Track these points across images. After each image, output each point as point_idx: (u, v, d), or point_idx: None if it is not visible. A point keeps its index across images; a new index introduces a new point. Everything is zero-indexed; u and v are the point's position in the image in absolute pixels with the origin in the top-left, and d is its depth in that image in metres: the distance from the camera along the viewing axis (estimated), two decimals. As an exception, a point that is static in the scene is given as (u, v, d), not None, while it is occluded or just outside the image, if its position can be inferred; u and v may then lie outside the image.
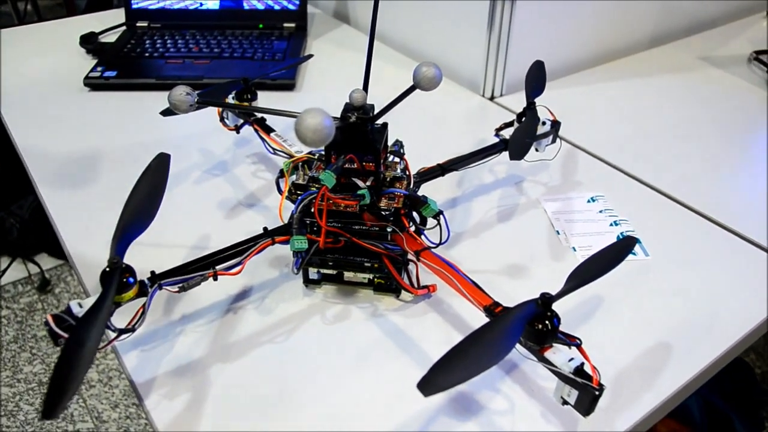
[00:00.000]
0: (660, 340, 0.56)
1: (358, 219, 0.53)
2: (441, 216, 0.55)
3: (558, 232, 0.68)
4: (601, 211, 0.72)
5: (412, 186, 0.56)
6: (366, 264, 0.55)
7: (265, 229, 0.54)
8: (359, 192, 0.52)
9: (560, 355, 0.43)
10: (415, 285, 0.57)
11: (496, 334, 0.39)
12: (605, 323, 0.57)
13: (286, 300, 0.57)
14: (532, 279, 0.60)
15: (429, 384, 0.35)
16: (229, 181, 0.73)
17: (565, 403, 0.44)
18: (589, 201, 0.73)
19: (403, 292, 0.57)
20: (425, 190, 0.61)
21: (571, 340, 0.44)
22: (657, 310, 0.59)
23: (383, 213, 0.53)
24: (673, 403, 0.54)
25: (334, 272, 0.57)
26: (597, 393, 0.41)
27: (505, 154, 0.66)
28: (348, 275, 0.57)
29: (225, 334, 0.53)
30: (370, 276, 0.57)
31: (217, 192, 0.71)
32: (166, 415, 0.46)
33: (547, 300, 0.42)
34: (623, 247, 0.49)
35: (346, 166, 0.53)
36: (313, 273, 0.58)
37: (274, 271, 0.61)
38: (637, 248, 0.66)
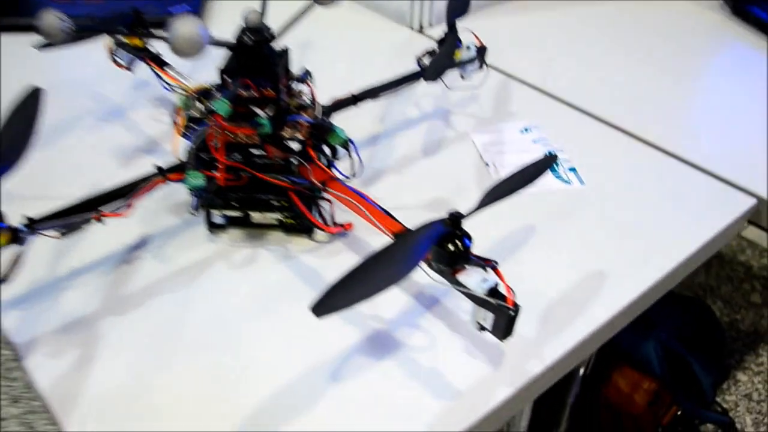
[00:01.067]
0: (595, 269, 0.57)
1: (260, 152, 0.53)
2: (350, 145, 0.54)
3: (487, 164, 0.69)
4: (535, 141, 0.72)
5: (320, 116, 0.56)
6: (273, 202, 0.55)
7: (158, 168, 0.53)
8: (258, 120, 0.51)
9: (473, 276, 0.43)
10: (329, 223, 0.57)
11: (400, 253, 0.39)
12: (536, 254, 0.58)
13: (188, 247, 0.56)
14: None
15: (324, 305, 0.35)
16: (127, 127, 0.71)
17: (481, 328, 0.45)
18: (522, 131, 0.74)
19: (316, 232, 0.57)
20: (344, 127, 0.60)
21: (485, 263, 0.44)
22: (592, 239, 0.60)
23: (287, 143, 0.52)
24: (607, 333, 0.55)
25: (240, 214, 0.56)
26: (512, 314, 0.41)
27: (432, 88, 0.66)
28: (255, 217, 0.57)
29: (119, 287, 0.52)
30: (280, 216, 0.56)
31: (113, 140, 0.69)
32: (50, 375, 0.45)
33: (455, 218, 0.42)
34: (543, 163, 0.50)
35: (245, 94, 0.52)
36: (217, 216, 0.57)
37: (175, 219, 0.60)
38: (572, 177, 0.67)
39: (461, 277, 0.43)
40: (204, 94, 0.55)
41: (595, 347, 0.55)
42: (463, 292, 0.43)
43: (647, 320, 1.15)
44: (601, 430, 1.10)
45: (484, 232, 0.58)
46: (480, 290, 0.42)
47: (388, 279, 0.38)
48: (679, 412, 1.14)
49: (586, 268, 0.57)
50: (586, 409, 1.08)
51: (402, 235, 0.41)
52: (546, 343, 0.50)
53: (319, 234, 0.58)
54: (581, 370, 0.95)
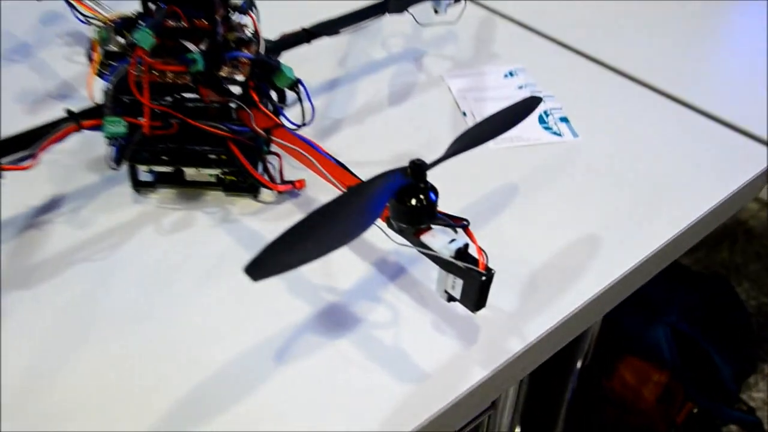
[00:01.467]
0: (587, 234, 0.58)
1: (193, 94, 0.53)
2: (300, 87, 0.55)
3: (465, 114, 0.70)
4: (521, 87, 0.73)
5: (264, 53, 0.56)
6: (210, 155, 0.55)
7: (69, 112, 0.53)
8: (189, 56, 0.51)
9: (439, 237, 0.44)
10: (277, 180, 0.57)
11: (351, 207, 0.39)
12: (519, 216, 0.59)
13: (109, 210, 0.57)
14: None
15: (260, 266, 0.36)
16: (34, 69, 0.71)
17: (450, 298, 0.46)
18: (506, 75, 0.75)
19: (262, 191, 0.57)
20: (296, 71, 0.61)
21: (455, 221, 0.45)
22: (584, 199, 0.61)
23: (225, 84, 0.52)
24: (601, 308, 0.56)
25: (171, 170, 0.57)
26: (484, 279, 0.42)
27: (401, 25, 0.66)
28: (190, 173, 0.57)
29: (25, 255, 0.52)
30: (218, 172, 0.56)
31: (17, 83, 0.69)
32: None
33: (417, 167, 0.43)
34: (525, 106, 0.50)
35: (173, 24, 0.52)
36: (143, 173, 0.57)
37: (94, 176, 0.60)
38: (563, 128, 0.68)
39: (426, 238, 0.44)
40: (124, 24, 0.55)
41: (587, 324, 0.56)
42: (427, 255, 0.44)
43: (655, 300, 1.16)
44: (605, 429, 1.12)
45: (458, 190, 0.59)
46: (446, 252, 0.43)
47: (338, 237, 0.38)
48: (695, 410, 1.16)
49: (577, 233, 0.58)
50: (586, 405, 1.10)
51: (354, 187, 0.42)
52: (528, 318, 0.51)
53: (264, 193, 0.59)
54: (579, 362, 0.97)
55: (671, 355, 1.10)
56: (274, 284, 0.51)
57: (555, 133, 0.66)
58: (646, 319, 1.12)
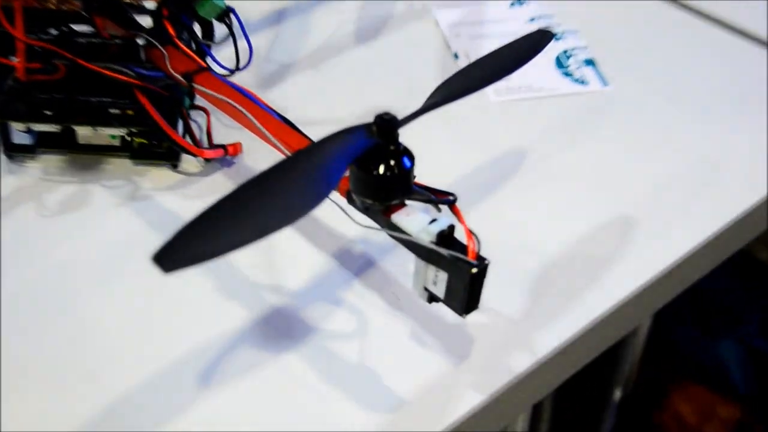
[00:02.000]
0: (617, 215, 0.57)
1: (86, 26, 0.52)
2: (232, 18, 0.55)
3: (456, 56, 0.69)
4: (532, 20, 0.73)
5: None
6: (111, 109, 0.54)
7: None
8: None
9: (416, 217, 0.44)
10: (203, 144, 0.57)
11: (297, 177, 0.39)
12: (530, 192, 0.58)
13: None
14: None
15: (174, 253, 0.35)
16: None
17: (432, 298, 0.45)
18: (513, 4, 0.75)
19: (183, 157, 0.57)
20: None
21: (437, 196, 0.45)
22: (615, 169, 0.60)
23: (129, 12, 0.52)
24: (636, 316, 0.55)
25: (58, 129, 0.56)
26: (475, 272, 0.42)
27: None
28: (83, 133, 0.56)
29: None
30: (123, 133, 0.56)
31: None
32: None
33: (386, 124, 0.43)
34: (530, 43, 0.50)
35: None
36: (20, 133, 0.57)
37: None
38: (589, 74, 0.68)
39: (398, 218, 0.44)
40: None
41: (618, 334, 0.56)
42: (401, 241, 0.43)
43: (723, 308, 1.16)
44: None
45: (443, 155, 0.59)
46: (425, 236, 0.43)
47: (279, 217, 0.38)
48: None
49: (605, 213, 0.58)
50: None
51: (302, 150, 0.42)
52: (539, 325, 0.50)
53: (186, 161, 0.58)
54: (618, 391, 0.98)
55: (745, 382, 1.09)
56: (198, 282, 0.51)
57: (578, 81, 0.66)
58: (710, 332, 1.11)
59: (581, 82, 0.65)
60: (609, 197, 0.58)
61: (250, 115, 0.50)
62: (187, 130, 0.56)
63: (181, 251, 0.35)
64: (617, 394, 0.92)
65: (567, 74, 0.66)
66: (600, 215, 0.56)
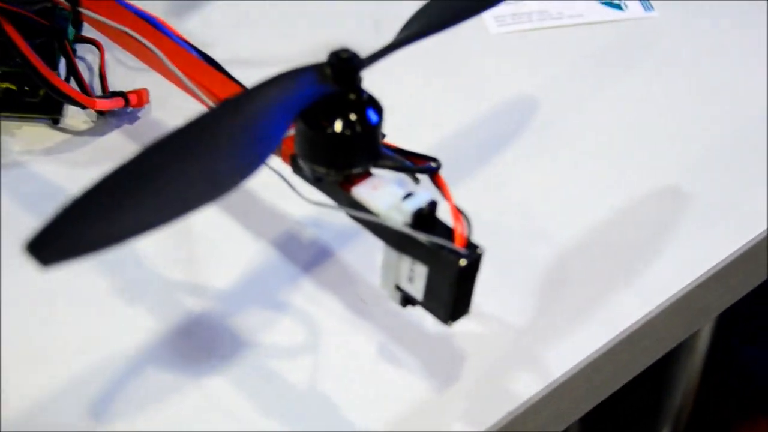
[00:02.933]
0: (661, 191, 0.59)
1: None
2: None
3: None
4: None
5: None
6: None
7: None
8: None
9: (385, 190, 0.44)
10: (96, 91, 0.58)
11: (223, 137, 0.40)
12: (547, 161, 0.60)
13: None
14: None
15: (54, 241, 0.36)
16: None
17: (406, 301, 0.46)
18: None
19: (67, 109, 0.58)
20: None
21: (415, 162, 0.47)
22: (660, 127, 0.62)
23: None
24: (686, 325, 0.57)
25: None
26: (464, 264, 0.43)
27: None
28: None
29: None
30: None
31: None
32: None
33: (344, 64, 0.43)
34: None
35: None
36: None
37: None
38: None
39: (361, 192, 0.45)
40: None
41: (660, 353, 0.58)
42: (364, 224, 0.45)
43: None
44: None
45: (423, 108, 0.61)
46: (397, 216, 0.44)
47: (198, 189, 0.38)
48: None
49: (640, 188, 0.59)
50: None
51: (231, 99, 0.43)
52: (551, 337, 0.52)
53: (73, 115, 0.59)
54: (667, 429, 0.99)
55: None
56: (90, 280, 0.52)
57: (611, 5, 0.68)
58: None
59: (616, 5, 0.67)
60: (648, 164, 0.59)
61: (159, 52, 0.50)
62: (73, 71, 0.56)
63: (64, 238, 0.36)
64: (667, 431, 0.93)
65: (599, -6, 0.65)
66: (635, 190, 0.58)
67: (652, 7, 0.65)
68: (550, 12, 0.65)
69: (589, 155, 0.59)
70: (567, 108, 0.61)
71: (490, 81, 0.62)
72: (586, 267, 0.54)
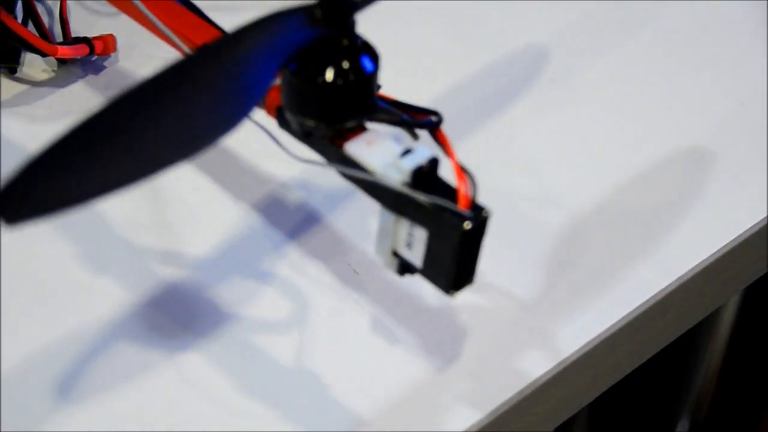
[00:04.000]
0: (687, 151, 0.59)
1: None
2: None
3: None
4: None
5: None
6: None
7: None
8: None
9: (381, 146, 0.45)
10: (57, 36, 0.58)
11: (199, 86, 0.39)
12: (560, 116, 0.61)
13: None
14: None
15: (19, 199, 0.36)
16: None
17: (404, 268, 0.46)
18: None
19: (26, 57, 0.58)
20: None
21: (414, 116, 0.46)
22: (686, 79, 0.63)
23: None
24: (706, 304, 0.57)
25: None
26: (468, 227, 0.43)
27: None
28: None
29: None
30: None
31: None
32: None
33: (336, 5, 0.44)
34: None
35: None
36: None
37: None
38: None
39: (354, 148, 0.45)
40: None
41: (682, 329, 0.58)
42: (358, 183, 0.45)
43: None
44: None
45: (424, 57, 0.61)
46: (395, 175, 0.44)
47: (173, 144, 0.38)
48: None
49: (663, 147, 0.60)
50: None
51: (210, 44, 0.43)
52: (563, 311, 0.52)
53: (32, 63, 0.59)
54: (683, 422, 0.99)
55: None
56: (53, 246, 0.52)
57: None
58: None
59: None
60: (671, 121, 0.59)
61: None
62: (31, 14, 0.56)
63: (29, 195, 0.36)
64: (684, 425, 0.93)
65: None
66: (656, 149, 0.58)
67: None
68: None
69: (605, 110, 0.59)
70: (581, 58, 0.61)
71: (496, 28, 0.62)
72: (601, 234, 0.54)
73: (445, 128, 0.45)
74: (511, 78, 0.59)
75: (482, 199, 0.43)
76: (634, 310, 0.51)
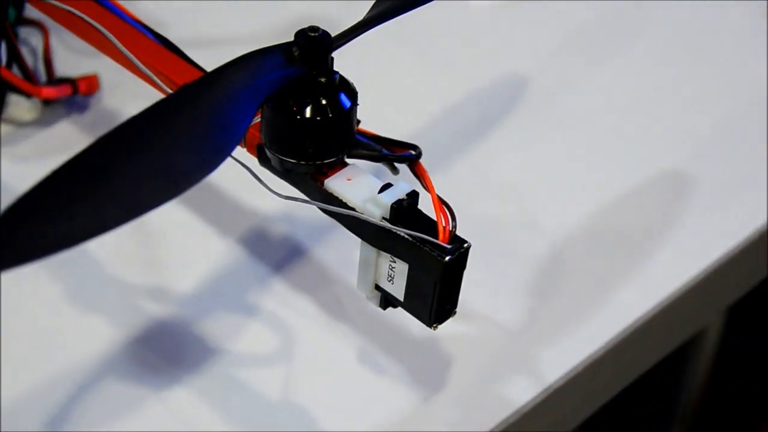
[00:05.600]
0: (667, 174, 0.60)
1: None
2: None
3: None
4: None
5: None
6: None
7: None
8: None
9: (361, 182, 0.44)
10: (41, 77, 0.58)
11: (183, 125, 0.39)
12: (539, 143, 0.61)
13: None
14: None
15: (11, 239, 0.36)
16: None
17: (387, 302, 0.46)
18: None
19: (10, 98, 0.57)
20: None
21: (393, 150, 0.46)
22: (664, 102, 0.63)
23: None
24: (690, 324, 0.58)
25: None
26: (449, 260, 0.43)
27: None
28: None
29: None
30: None
31: None
32: None
33: (314, 43, 0.43)
34: None
35: None
36: None
37: None
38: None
39: (335, 184, 0.44)
40: None
41: (666, 350, 0.58)
42: (339, 219, 0.45)
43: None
44: None
45: (402, 90, 0.61)
46: (375, 210, 0.43)
47: (158, 184, 0.38)
48: None
49: (643, 171, 0.60)
50: None
51: (191, 84, 0.43)
52: (547, 338, 0.52)
53: (16, 104, 0.59)
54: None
55: None
56: (40, 284, 0.52)
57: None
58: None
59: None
60: (648, 146, 0.59)
61: (110, 35, 0.50)
62: (14, 56, 0.56)
63: (14, 240, 0.36)
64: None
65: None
66: (638, 173, 0.58)
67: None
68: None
69: (583, 137, 0.59)
70: (557, 86, 0.61)
71: (472, 58, 0.62)
72: (582, 259, 0.54)
73: (425, 159, 0.46)
74: (488, 107, 0.59)
75: (463, 228, 0.43)
76: (618, 334, 0.51)
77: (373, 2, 0.46)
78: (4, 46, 0.55)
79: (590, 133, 0.59)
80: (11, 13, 0.55)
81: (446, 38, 0.63)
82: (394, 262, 0.44)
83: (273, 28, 0.60)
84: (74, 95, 0.57)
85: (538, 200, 0.56)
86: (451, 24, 0.57)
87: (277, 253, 0.53)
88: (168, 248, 0.54)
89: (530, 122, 0.59)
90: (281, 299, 0.52)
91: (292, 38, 0.41)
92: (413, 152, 0.46)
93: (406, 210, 0.43)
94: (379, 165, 0.47)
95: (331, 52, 0.43)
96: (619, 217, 0.56)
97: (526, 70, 0.61)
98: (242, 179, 0.45)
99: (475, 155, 0.57)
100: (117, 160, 0.37)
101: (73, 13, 0.51)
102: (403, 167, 0.47)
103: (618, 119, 0.60)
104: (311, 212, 0.46)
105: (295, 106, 0.43)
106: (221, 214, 0.54)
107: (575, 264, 0.53)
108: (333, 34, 0.43)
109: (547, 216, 0.55)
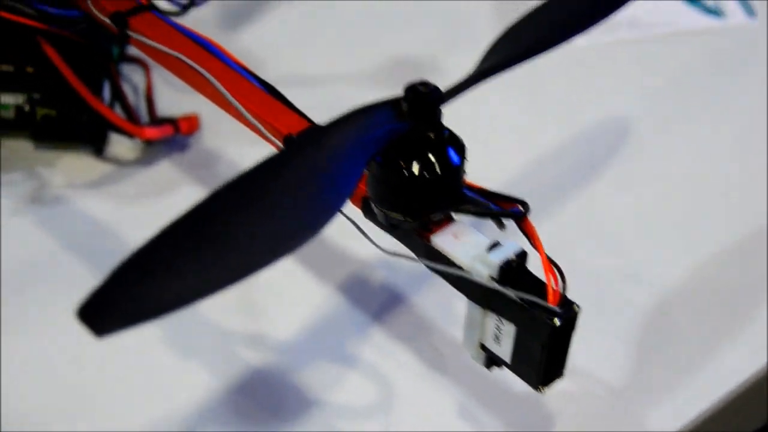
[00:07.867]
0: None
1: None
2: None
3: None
4: None
5: None
6: (2, 66, 0.56)
7: None
8: None
9: (468, 239, 0.44)
10: (143, 117, 0.58)
11: (294, 179, 0.39)
12: (645, 191, 0.59)
13: None
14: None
15: (110, 306, 0.35)
16: None
17: (492, 361, 0.46)
18: None
19: (112, 138, 0.57)
20: None
21: (501, 206, 0.46)
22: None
23: None
24: None
25: None
26: (559, 324, 0.42)
27: None
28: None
29: None
30: (20, 101, 0.56)
31: None
32: None
33: (423, 99, 0.43)
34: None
35: None
36: None
37: None
38: (728, 3, 0.69)
39: (441, 240, 0.44)
40: None
41: None
42: (444, 276, 0.44)
43: None
44: None
45: (506, 138, 0.61)
46: (482, 270, 0.43)
47: (267, 245, 0.38)
48: None
49: (752, 223, 0.59)
50: None
51: (301, 137, 0.42)
52: (650, 397, 0.51)
53: (118, 144, 0.59)
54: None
55: None
56: (140, 332, 0.51)
57: (711, 11, 0.66)
58: None
59: (715, 12, 0.65)
60: (760, 194, 0.58)
61: (213, 79, 0.50)
62: (118, 96, 0.56)
63: (119, 304, 0.35)
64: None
65: (696, 2, 0.65)
66: (745, 224, 0.57)
67: (755, 12, 0.64)
68: (642, 20, 0.64)
69: (690, 183, 0.58)
70: (664, 129, 0.61)
71: (577, 100, 0.62)
72: (688, 314, 0.53)
73: (532, 216, 0.45)
74: (592, 151, 0.59)
75: (571, 291, 0.42)
76: (726, 395, 0.50)
77: (483, 53, 0.46)
78: (108, 86, 0.55)
79: (696, 179, 0.59)
80: (114, 51, 0.55)
81: (547, 77, 0.63)
82: (501, 322, 0.44)
83: (372, 69, 0.60)
84: (175, 135, 0.57)
85: (642, 249, 0.55)
86: (553, 61, 0.55)
87: (376, 301, 0.53)
88: (266, 294, 0.54)
89: (633, 167, 0.59)
90: (380, 348, 0.52)
91: (387, 75, 0.40)
92: (522, 208, 0.45)
93: (514, 270, 0.43)
94: (485, 221, 0.46)
95: (440, 106, 0.42)
96: (727, 269, 0.55)
97: (628, 111, 0.62)
98: (343, 226, 0.44)
99: (577, 201, 0.57)
100: (226, 220, 0.37)
101: (177, 57, 0.51)
102: (510, 222, 0.46)
103: (727, 163, 0.59)
104: (414, 266, 0.46)
105: (403, 162, 0.42)
106: (321, 260, 0.54)
107: (680, 318, 0.53)
108: (442, 88, 0.42)
109: (651, 266, 0.55)
